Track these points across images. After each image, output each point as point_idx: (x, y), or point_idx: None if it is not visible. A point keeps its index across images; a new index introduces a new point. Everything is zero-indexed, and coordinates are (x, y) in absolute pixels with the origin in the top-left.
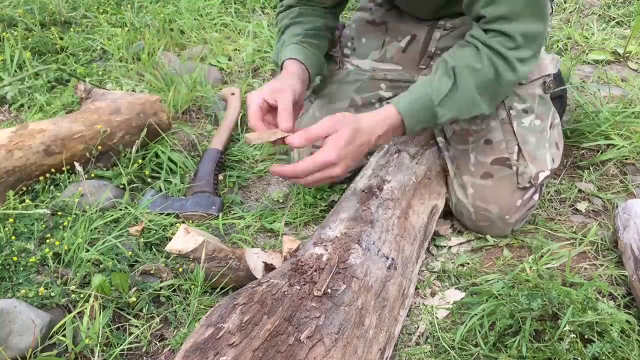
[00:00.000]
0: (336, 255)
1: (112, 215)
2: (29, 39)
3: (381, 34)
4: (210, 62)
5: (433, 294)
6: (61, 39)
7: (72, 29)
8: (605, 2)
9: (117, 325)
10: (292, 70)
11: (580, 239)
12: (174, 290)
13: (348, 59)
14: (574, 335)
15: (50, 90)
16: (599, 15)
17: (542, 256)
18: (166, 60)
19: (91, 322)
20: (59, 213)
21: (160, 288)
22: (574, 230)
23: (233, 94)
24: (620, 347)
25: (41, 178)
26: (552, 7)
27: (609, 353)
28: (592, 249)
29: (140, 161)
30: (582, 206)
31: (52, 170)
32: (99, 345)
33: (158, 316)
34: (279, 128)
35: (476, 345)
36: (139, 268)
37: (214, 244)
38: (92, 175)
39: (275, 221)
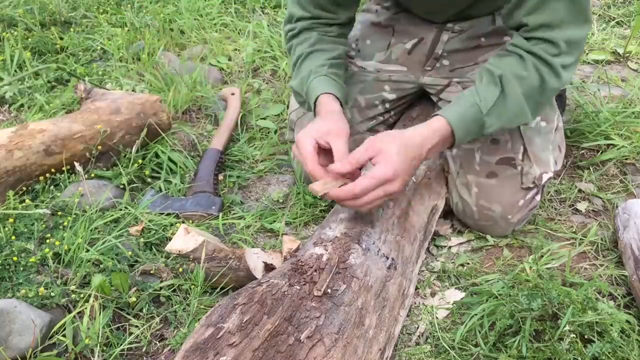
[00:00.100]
0: (336, 255)
1: (112, 215)
2: (29, 39)
3: (387, 36)
4: (210, 62)
5: (433, 294)
6: (61, 39)
7: (72, 29)
8: (605, 2)
9: (117, 325)
10: (333, 108)
11: (580, 239)
12: (174, 290)
13: (352, 60)
14: (574, 335)
15: (50, 90)
16: (599, 15)
17: (542, 256)
18: (166, 60)
19: (91, 322)
20: (59, 213)
21: (160, 288)
22: (574, 230)
23: (233, 94)
24: (620, 347)
25: (41, 178)
26: None
27: (609, 353)
28: (592, 249)
29: (140, 161)
30: (582, 206)
31: (52, 170)
32: (99, 345)
33: (158, 316)
34: (337, 171)
35: (476, 345)
36: (139, 268)
37: (214, 244)
38: (92, 175)
39: (275, 221)
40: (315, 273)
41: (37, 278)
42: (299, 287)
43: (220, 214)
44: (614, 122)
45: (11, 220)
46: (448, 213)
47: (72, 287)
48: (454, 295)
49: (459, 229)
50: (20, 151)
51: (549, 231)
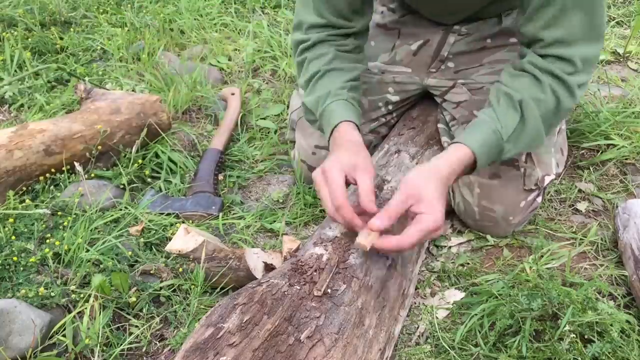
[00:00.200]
0: (336, 255)
1: (112, 215)
2: (29, 39)
3: (392, 38)
4: (210, 62)
5: (433, 294)
6: (61, 39)
7: (72, 29)
8: (605, 2)
9: (117, 325)
10: (355, 138)
11: (580, 239)
12: (174, 290)
13: None
14: (574, 335)
15: (50, 90)
16: None
17: (542, 256)
18: (166, 60)
19: (91, 322)
20: (59, 213)
21: (160, 288)
22: (574, 230)
23: (233, 94)
24: (620, 347)
25: (41, 178)
26: None
27: (609, 353)
28: (592, 249)
29: (140, 161)
30: (582, 206)
31: (52, 170)
32: (99, 345)
33: (158, 316)
34: (378, 227)
35: (476, 345)
36: (139, 268)
37: (214, 244)
38: (92, 175)
39: (275, 221)
40: (315, 273)
41: (37, 278)
42: (299, 287)
43: (220, 214)
44: (614, 122)
45: (11, 220)
46: (448, 213)
47: (72, 287)
48: (454, 295)
49: (459, 229)
50: (20, 151)
51: (549, 231)
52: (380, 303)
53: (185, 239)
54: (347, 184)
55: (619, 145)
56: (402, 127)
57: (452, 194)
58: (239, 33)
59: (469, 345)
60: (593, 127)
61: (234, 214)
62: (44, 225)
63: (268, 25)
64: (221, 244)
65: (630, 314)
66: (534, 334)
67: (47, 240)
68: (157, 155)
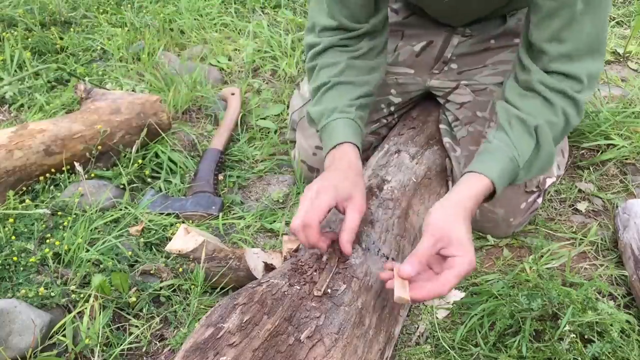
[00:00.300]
0: (336, 255)
1: (112, 215)
2: (29, 39)
3: (395, 39)
4: (210, 62)
5: None
6: (61, 39)
7: (72, 29)
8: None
9: (117, 325)
10: (354, 163)
11: (580, 239)
12: (174, 290)
13: None
14: (574, 335)
15: (50, 90)
16: None
17: (542, 256)
18: (166, 60)
19: (91, 322)
20: (59, 213)
21: (160, 288)
22: (574, 230)
23: (233, 94)
24: (620, 347)
25: (41, 178)
26: None
27: (609, 353)
28: (592, 249)
29: (140, 161)
30: (582, 206)
31: (52, 170)
32: (99, 345)
33: (158, 316)
34: (408, 275)
35: (476, 345)
36: (139, 268)
37: (214, 244)
38: (92, 175)
39: (275, 221)
40: (315, 273)
41: (37, 278)
42: (299, 287)
43: (220, 214)
44: (614, 122)
45: (11, 220)
46: None
47: (72, 287)
48: (454, 295)
49: None
50: (20, 151)
51: (549, 231)
52: (381, 303)
53: (185, 239)
54: (337, 208)
55: (619, 145)
56: (402, 127)
57: None
58: (239, 33)
59: (469, 345)
60: (593, 127)
61: (234, 214)
62: (44, 225)
63: (268, 25)
64: (221, 244)
65: (630, 314)
66: (534, 334)
67: (47, 240)
68: (157, 155)
